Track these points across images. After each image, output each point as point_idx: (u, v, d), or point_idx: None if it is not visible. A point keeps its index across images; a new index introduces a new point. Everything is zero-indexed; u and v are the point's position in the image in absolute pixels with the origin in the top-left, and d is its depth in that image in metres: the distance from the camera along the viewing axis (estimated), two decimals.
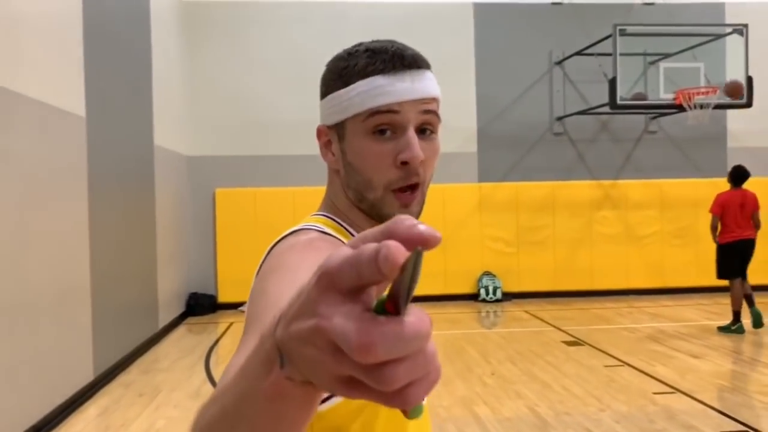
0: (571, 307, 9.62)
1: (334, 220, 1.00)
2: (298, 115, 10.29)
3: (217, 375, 6.20)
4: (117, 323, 6.39)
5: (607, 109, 9.44)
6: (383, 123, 0.92)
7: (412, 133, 0.92)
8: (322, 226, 0.96)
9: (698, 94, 8.60)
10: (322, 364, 0.42)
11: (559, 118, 10.62)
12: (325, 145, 1.01)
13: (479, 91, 10.49)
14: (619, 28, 8.62)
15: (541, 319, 8.70)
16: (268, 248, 0.94)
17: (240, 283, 9.99)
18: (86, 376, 5.51)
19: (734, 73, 9.10)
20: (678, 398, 5.10)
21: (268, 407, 0.50)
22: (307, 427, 0.54)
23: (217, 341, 7.89)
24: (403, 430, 0.92)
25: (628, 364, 6.18)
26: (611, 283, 10.53)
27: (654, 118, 10.70)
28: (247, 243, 10.02)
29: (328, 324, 0.40)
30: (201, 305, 9.81)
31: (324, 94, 1.00)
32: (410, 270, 0.39)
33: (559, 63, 10.59)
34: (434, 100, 0.96)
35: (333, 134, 0.99)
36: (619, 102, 8.69)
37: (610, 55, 8.90)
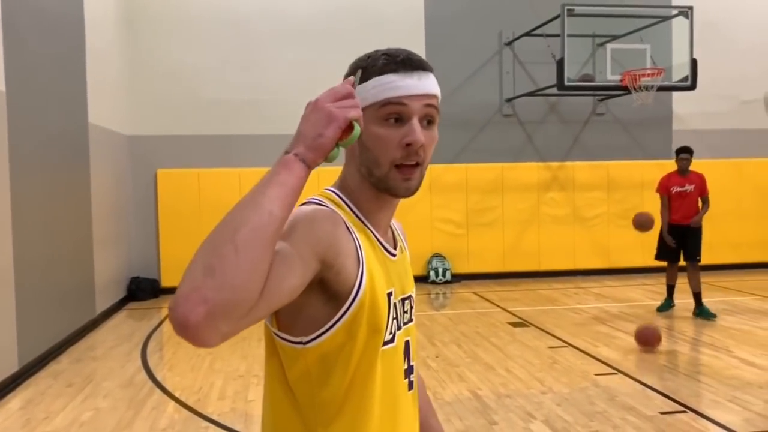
0: (519, 288, 9.65)
1: (339, 196, 1.20)
2: (242, 93, 9.98)
3: (153, 363, 5.97)
4: (46, 310, 6.08)
5: (555, 90, 9.42)
6: (393, 112, 1.14)
7: (415, 122, 1.14)
8: (323, 200, 1.18)
9: (644, 75, 8.64)
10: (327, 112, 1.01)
11: (509, 100, 10.57)
12: None
13: None
14: (567, 8, 8.57)
15: (489, 301, 8.69)
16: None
17: (183, 267, 9.57)
18: (10, 366, 5.22)
19: (680, 55, 9.18)
20: (620, 379, 5.11)
21: (276, 176, 0.96)
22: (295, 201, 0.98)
23: (157, 327, 7.62)
24: (374, 364, 1.13)
25: (572, 345, 6.19)
26: (558, 264, 10.60)
27: (602, 100, 10.76)
28: (191, 225, 9.72)
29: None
30: (142, 290, 9.49)
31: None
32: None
33: (509, 44, 10.52)
34: (435, 96, 1.18)
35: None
36: (566, 83, 8.67)
37: (558, 36, 8.86)
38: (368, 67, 1.16)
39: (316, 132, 1.00)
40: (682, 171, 7.76)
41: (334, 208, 1.15)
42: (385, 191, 1.17)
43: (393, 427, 1.18)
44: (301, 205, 1.14)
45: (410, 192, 1.17)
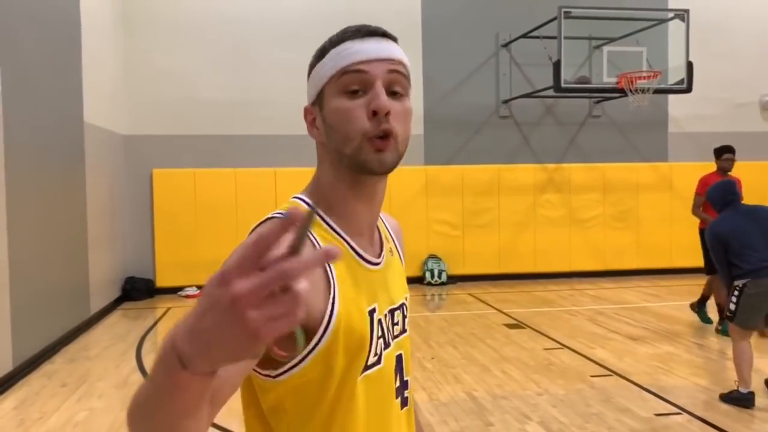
0: (515, 290, 9.65)
1: (307, 203, 1.08)
2: (237, 94, 9.97)
3: (147, 363, 5.95)
4: (40, 309, 6.05)
5: (552, 92, 9.44)
6: (353, 82, 1.02)
7: (379, 86, 1.02)
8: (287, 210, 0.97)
9: (640, 78, 8.66)
10: (224, 323, 0.61)
11: (505, 101, 10.59)
12: (311, 124, 1.10)
13: (426, 72, 10.36)
14: (564, 10, 8.58)
15: (485, 302, 8.69)
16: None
17: (179, 267, 9.68)
18: (4, 366, 5.20)
19: (675, 58, 9.20)
20: (615, 381, 5.11)
21: (172, 397, 0.70)
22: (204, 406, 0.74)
23: (152, 327, 7.60)
24: (355, 393, 1.03)
25: (568, 347, 6.19)
26: (554, 266, 10.61)
27: (598, 102, 10.78)
28: (186, 225, 9.71)
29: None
30: (137, 290, 9.46)
31: (309, 75, 1.09)
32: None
33: (506, 45, 10.54)
34: (400, 62, 1.06)
35: (316, 110, 1.08)
36: (563, 85, 8.68)
37: (555, 38, 8.88)
38: (325, 44, 1.07)
39: (215, 341, 0.63)
40: (725, 171, 7.14)
41: None
42: (359, 170, 1.04)
43: None
44: (258, 225, 1.02)
45: (385, 166, 1.03)
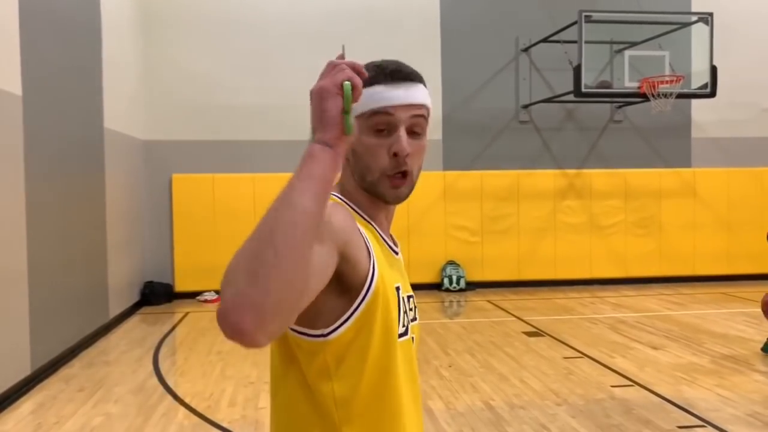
0: (534, 297, 9.54)
1: (341, 198, 1.23)
2: (257, 98, 9.99)
3: (164, 369, 5.95)
4: (59, 313, 6.08)
5: (572, 97, 9.35)
6: (381, 123, 1.19)
7: (402, 132, 1.18)
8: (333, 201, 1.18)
9: (662, 83, 8.53)
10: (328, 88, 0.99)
11: (525, 106, 10.49)
12: None
13: (445, 77, 10.31)
14: (584, 14, 8.49)
15: (504, 309, 8.60)
16: None
17: (198, 272, 9.71)
18: (22, 370, 5.22)
19: (699, 62, 9.05)
20: (636, 391, 5.01)
21: (303, 169, 0.96)
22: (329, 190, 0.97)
23: (170, 332, 7.62)
24: (394, 356, 1.16)
25: (588, 356, 6.09)
26: (574, 273, 10.48)
27: (620, 107, 10.64)
28: (205, 230, 9.74)
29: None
30: (156, 294, 9.50)
31: None
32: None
33: (526, 50, 10.45)
34: (423, 106, 1.22)
35: None
36: (583, 90, 8.58)
37: (576, 42, 8.78)
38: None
39: (319, 110, 1.01)
40: None
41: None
42: (376, 197, 1.22)
43: (418, 416, 1.24)
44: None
45: (400, 199, 1.23)
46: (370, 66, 1.21)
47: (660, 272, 10.57)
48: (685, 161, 10.93)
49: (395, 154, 1.18)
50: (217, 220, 9.75)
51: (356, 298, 1.10)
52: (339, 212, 1.11)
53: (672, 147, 10.88)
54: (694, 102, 10.61)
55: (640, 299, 9.32)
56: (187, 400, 4.93)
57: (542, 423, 4.34)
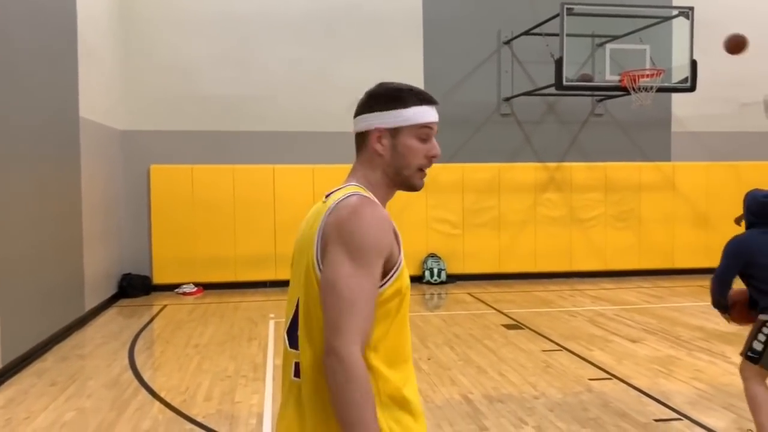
0: (514, 290, 9.55)
1: (368, 190, 1.57)
2: (237, 89, 9.88)
3: (140, 362, 5.87)
4: (32, 306, 5.97)
5: (554, 90, 9.35)
6: (425, 134, 1.60)
7: (435, 140, 1.63)
8: (366, 195, 1.54)
9: (643, 76, 8.55)
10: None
11: (507, 99, 10.48)
12: (377, 140, 1.60)
13: (427, 70, 10.26)
14: (566, 6, 8.47)
15: (484, 302, 8.60)
16: (335, 205, 1.51)
17: (176, 264, 9.60)
18: None
19: (679, 56, 9.08)
20: (614, 384, 5.02)
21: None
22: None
23: (147, 325, 7.52)
24: (407, 306, 1.58)
25: (566, 349, 6.10)
26: (554, 266, 10.51)
27: (600, 100, 10.67)
28: (184, 222, 9.63)
29: None
30: (134, 287, 9.38)
31: (383, 108, 1.60)
32: None
33: (508, 42, 10.43)
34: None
35: (386, 133, 1.60)
36: (564, 83, 8.57)
37: (557, 35, 8.77)
38: (406, 97, 1.59)
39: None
40: None
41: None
42: (405, 187, 1.64)
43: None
44: (351, 196, 1.51)
45: (422, 187, 1.66)
46: (405, 89, 1.60)
47: (639, 265, 10.64)
48: (664, 155, 11.00)
49: (433, 156, 1.63)
50: (195, 212, 9.64)
51: (391, 270, 1.49)
52: (385, 225, 1.47)
53: (652, 141, 10.94)
54: (675, 96, 10.66)
55: (619, 292, 9.37)
56: (162, 395, 4.86)
57: (520, 417, 4.33)
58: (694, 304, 8.25)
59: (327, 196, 1.55)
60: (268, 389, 4.96)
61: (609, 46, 9.25)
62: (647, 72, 8.58)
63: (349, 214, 1.45)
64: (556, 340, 6.42)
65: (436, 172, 10.36)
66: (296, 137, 10.02)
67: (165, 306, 8.62)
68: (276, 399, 4.72)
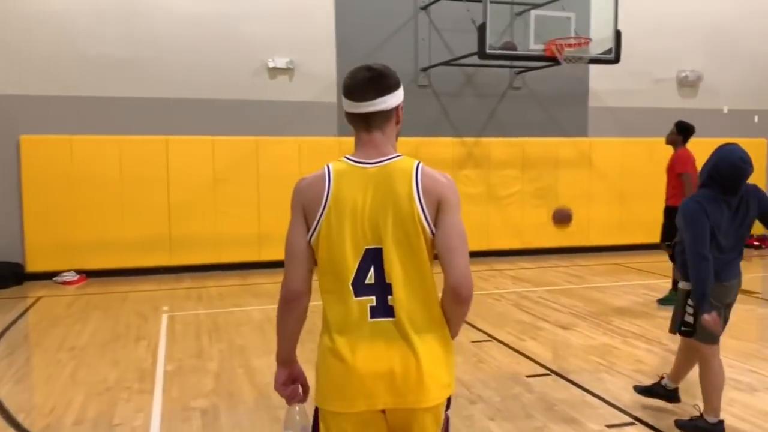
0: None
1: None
2: (124, 49, 8.71)
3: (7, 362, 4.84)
4: None
5: (472, 60, 8.79)
6: None
7: None
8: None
9: (568, 45, 8.13)
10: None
11: (424, 69, 9.86)
12: (398, 113, 1.90)
13: (339, 36, 9.47)
14: None
15: None
16: (420, 170, 1.83)
17: (54, 249, 8.41)
18: None
19: (601, 27, 8.73)
20: (553, 381, 4.53)
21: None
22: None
23: (14, 322, 6.41)
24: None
25: (497, 339, 5.59)
26: (472, 245, 9.92)
27: (519, 73, 10.25)
28: (62, 201, 8.43)
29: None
30: (3, 276, 8.16)
31: (400, 85, 1.88)
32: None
33: (425, 8, 9.78)
34: None
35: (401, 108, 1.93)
36: (488, 51, 8.02)
37: (477, 1, 8.20)
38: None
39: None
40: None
41: None
42: None
43: None
44: (421, 164, 1.84)
45: None
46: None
47: (556, 243, 10.39)
48: (581, 130, 10.77)
49: None
50: (75, 190, 8.46)
51: None
52: None
53: (569, 116, 10.67)
54: (592, 70, 10.41)
55: (538, 272, 9.05)
56: (20, 419, 3.91)
57: (457, 428, 3.73)
58: (615, 284, 8.01)
59: (374, 164, 1.84)
60: (156, 405, 4.11)
61: (534, 13, 8.73)
62: (572, 41, 8.17)
63: (448, 180, 1.82)
64: (485, 329, 5.90)
65: (349, 146, 9.49)
66: (193, 105, 8.98)
67: (39, 298, 7.48)
68: (165, 416, 3.90)
